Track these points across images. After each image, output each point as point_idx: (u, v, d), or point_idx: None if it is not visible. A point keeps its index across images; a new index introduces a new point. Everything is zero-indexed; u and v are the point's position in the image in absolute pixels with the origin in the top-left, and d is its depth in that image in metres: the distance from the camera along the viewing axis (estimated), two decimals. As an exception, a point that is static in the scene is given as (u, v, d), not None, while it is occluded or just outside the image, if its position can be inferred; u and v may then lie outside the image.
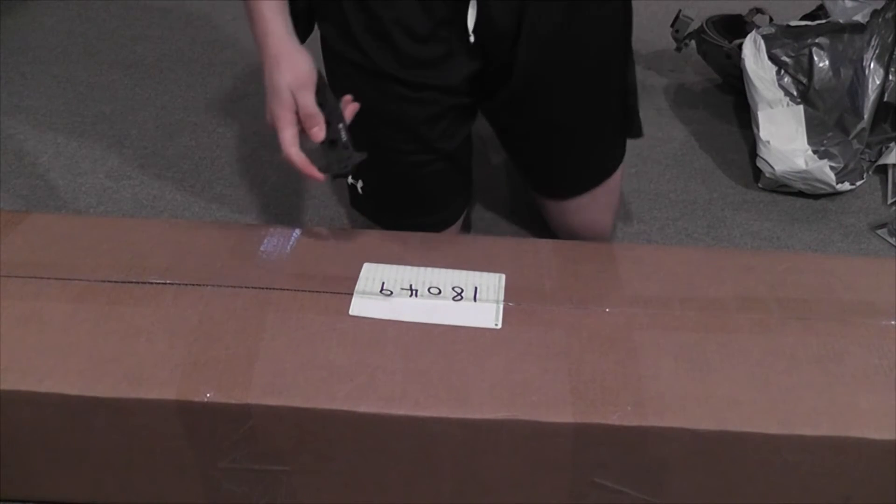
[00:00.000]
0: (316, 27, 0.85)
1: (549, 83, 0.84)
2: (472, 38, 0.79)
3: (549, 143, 0.91)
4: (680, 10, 1.32)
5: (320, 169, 0.70)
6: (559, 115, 0.87)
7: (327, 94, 0.73)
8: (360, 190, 0.91)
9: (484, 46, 0.80)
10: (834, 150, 1.12)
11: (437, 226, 0.90)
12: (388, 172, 0.88)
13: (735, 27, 1.34)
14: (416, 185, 0.88)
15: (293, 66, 0.70)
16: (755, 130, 1.16)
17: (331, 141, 0.72)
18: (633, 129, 0.96)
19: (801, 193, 1.15)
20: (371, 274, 0.70)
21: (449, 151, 0.86)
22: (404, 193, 0.90)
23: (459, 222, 0.95)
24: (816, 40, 1.15)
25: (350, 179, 0.92)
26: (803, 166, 1.11)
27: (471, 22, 0.78)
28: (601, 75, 0.86)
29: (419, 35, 0.77)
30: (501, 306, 0.67)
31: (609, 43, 0.84)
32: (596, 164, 0.95)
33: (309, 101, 0.70)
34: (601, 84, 0.87)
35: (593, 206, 0.96)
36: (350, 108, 0.74)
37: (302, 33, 0.86)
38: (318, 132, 0.70)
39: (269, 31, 0.72)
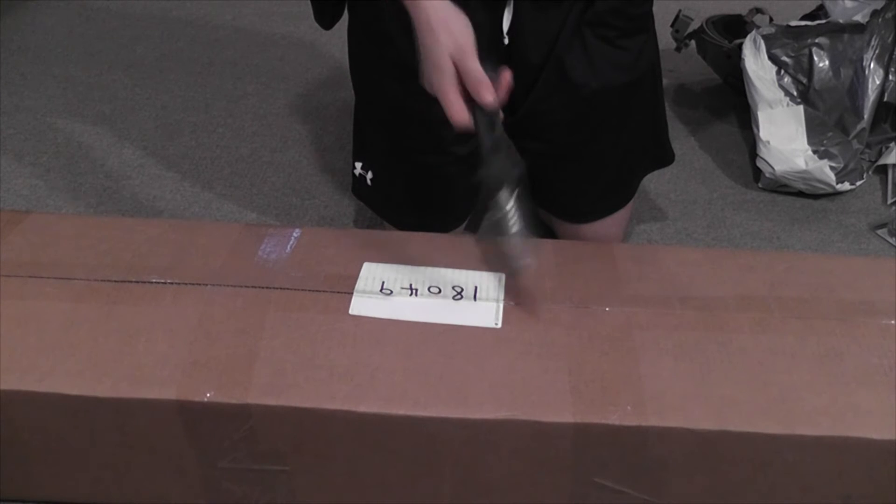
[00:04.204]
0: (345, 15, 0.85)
1: (573, 109, 0.84)
2: (506, 40, 0.79)
3: (570, 170, 0.90)
4: (680, 10, 1.32)
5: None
6: (581, 143, 0.87)
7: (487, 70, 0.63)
8: (368, 182, 0.91)
9: (515, 54, 0.80)
10: (834, 150, 1.12)
11: (441, 227, 0.90)
12: (400, 169, 0.88)
13: (735, 27, 1.34)
14: (426, 185, 0.88)
15: (451, 32, 0.63)
16: (755, 130, 1.16)
17: (494, 148, 0.64)
18: (666, 157, 0.96)
19: (801, 193, 1.15)
20: (371, 273, 0.70)
21: (463, 155, 0.86)
22: (413, 192, 0.90)
23: (463, 225, 0.95)
24: (816, 40, 1.15)
25: (359, 170, 0.92)
26: (803, 166, 1.11)
27: (506, 24, 0.78)
28: (629, 106, 0.86)
29: None
30: (501, 305, 0.67)
31: (637, 75, 0.84)
32: (618, 194, 0.94)
33: (475, 66, 0.62)
34: (629, 115, 0.87)
35: (607, 223, 0.96)
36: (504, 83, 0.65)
37: (330, 19, 0.86)
38: (489, 96, 0.62)
39: None
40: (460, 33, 0.63)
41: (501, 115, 0.65)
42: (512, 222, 0.65)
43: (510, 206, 0.65)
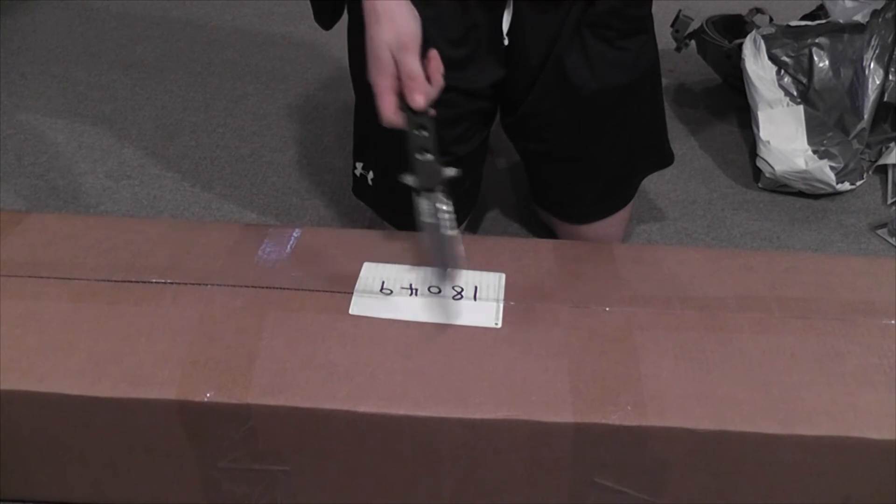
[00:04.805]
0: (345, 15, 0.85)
1: (572, 110, 0.84)
2: (506, 41, 0.79)
3: (569, 170, 0.90)
4: (680, 10, 1.32)
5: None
6: (581, 144, 0.87)
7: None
8: (369, 182, 0.91)
9: (514, 54, 0.80)
10: (834, 150, 1.12)
11: None
12: (400, 169, 0.88)
13: (735, 27, 1.34)
14: None
15: (395, 23, 0.62)
16: (755, 130, 1.16)
17: (422, 149, 0.65)
18: (666, 159, 0.96)
19: (801, 193, 1.15)
20: (371, 273, 0.70)
21: (462, 156, 0.86)
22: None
23: (463, 226, 0.95)
24: (816, 40, 1.15)
25: (360, 170, 0.92)
26: (803, 166, 1.11)
27: (506, 25, 0.78)
28: (629, 107, 0.86)
29: (453, 36, 0.77)
30: (501, 305, 0.67)
31: (637, 76, 0.84)
32: (617, 195, 0.94)
33: (411, 61, 0.62)
34: (629, 116, 0.87)
35: (607, 223, 0.96)
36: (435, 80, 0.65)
37: (329, 19, 0.87)
38: (419, 98, 0.62)
39: None
40: (404, 26, 0.63)
41: (432, 111, 0.64)
42: (442, 225, 0.66)
43: (438, 209, 0.65)
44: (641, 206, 1.13)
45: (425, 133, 0.64)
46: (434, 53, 0.64)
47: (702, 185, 1.18)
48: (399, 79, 0.63)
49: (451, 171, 0.65)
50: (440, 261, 0.66)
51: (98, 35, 1.61)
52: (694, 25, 1.32)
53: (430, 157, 0.65)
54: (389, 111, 0.63)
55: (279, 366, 0.62)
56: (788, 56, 1.16)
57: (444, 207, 0.66)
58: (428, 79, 0.64)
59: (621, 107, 0.85)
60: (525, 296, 0.69)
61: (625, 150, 0.90)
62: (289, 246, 0.74)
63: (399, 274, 0.70)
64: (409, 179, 0.66)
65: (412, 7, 0.64)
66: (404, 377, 0.61)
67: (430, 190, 0.66)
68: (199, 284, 0.69)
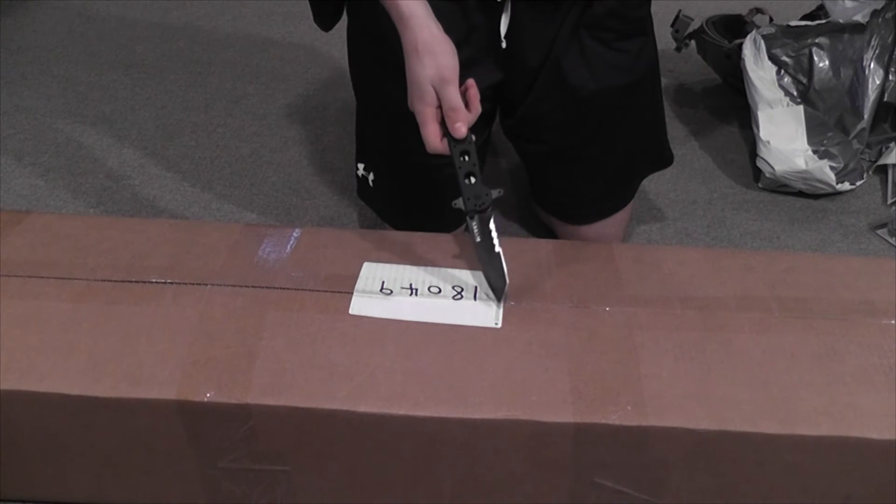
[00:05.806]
0: (344, 16, 0.85)
1: (571, 111, 0.84)
2: (503, 44, 0.79)
3: (569, 171, 0.91)
4: (680, 10, 1.32)
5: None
6: (580, 145, 0.87)
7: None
8: (370, 183, 0.91)
9: (512, 56, 0.80)
10: (834, 150, 1.12)
11: (441, 229, 0.90)
12: (400, 171, 0.88)
13: (735, 27, 1.34)
14: (425, 186, 0.88)
15: (435, 59, 0.65)
16: (755, 130, 1.16)
17: (468, 174, 0.68)
18: (665, 159, 0.96)
19: (801, 193, 1.15)
20: (371, 273, 0.70)
21: None
22: (413, 194, 0.90)
23: (463, 226, 0.95)
24: (816, 40, 1.15)
25: (361, 171, 0.93)
26: (803, 166, 1.11)
27: (503, 28, 0.78)
28: (628, 108, 0.86)
29: (453, 39, 0.77)
30: (502, 305, 0.67)
31: (636, 77, 0.84)
32: (617, 195, 0.95)
33: (452, 94, 0.65)
34: (628, 117, 0.87)
35: (607, 224, 0.96)
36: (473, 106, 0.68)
37: (329, 20, 0.87)
38: (461, 128, 0.66)
39: (409, 18, 0.66)
40: (445, 61, 0.66)
41: (474, 137, 0.68)
42: (488, 247, 0.69)
43: (486, 232, 0.69)
44: (641, 206, 1.13)
45: (468, 158, 0.67)
46: (471, 82, 0.68)
47: (702, 185, 1.18)
48: (440, 108, 0.66)
49: (496, 193, 0.68)
50: (489, 277, 0.69)
51: (98, 35, 1.61)
52: (694, 25, 1.32)
53: (476, 180, 0.68)
54: (434, 139, 0.66)
55: (279, 366, 0.62)
56: (788, 56, 1.16)
57: (493, 227, 0.69)
58: (467, 105, 0.67)
59: (620, 108, 0.85)
60: (525, 296, 0.69)
61: (624, 151, 0.90)
62: (289, 246, 0.74)
63: (399, 274, 0.70)
64: (458, 204, 0.68)
65: (450, 40, 0.67)
66: (404, 377, 0.61)
67: (479, 211, 0.68)
68: (199, 284, 0.69)
